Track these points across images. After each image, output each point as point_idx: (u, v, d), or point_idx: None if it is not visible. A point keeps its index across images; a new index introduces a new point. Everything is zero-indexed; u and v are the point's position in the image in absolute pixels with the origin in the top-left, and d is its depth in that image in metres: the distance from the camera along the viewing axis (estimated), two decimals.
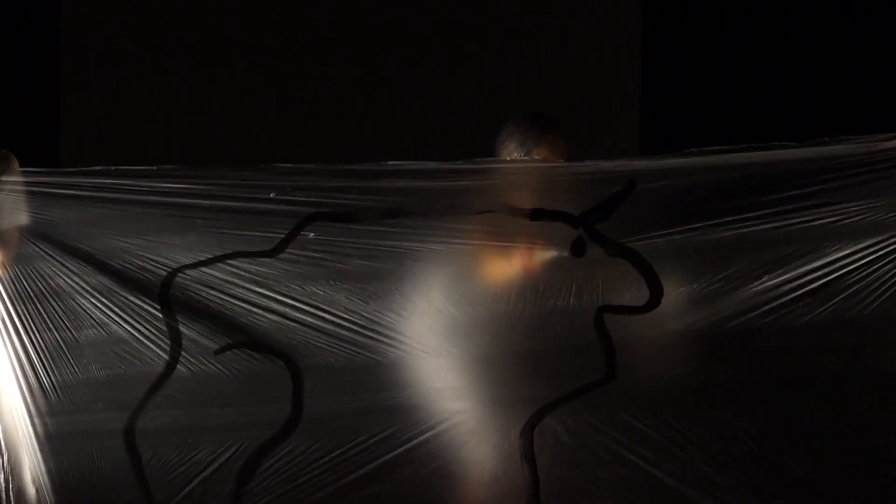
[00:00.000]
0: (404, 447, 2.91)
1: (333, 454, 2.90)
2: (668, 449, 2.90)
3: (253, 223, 2.91)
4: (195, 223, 2.91)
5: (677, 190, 2.89)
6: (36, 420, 2.89)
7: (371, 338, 2.91)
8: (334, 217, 2.89)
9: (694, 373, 2.95)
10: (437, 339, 2.92)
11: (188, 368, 2.91)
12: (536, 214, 2.90)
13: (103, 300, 2.90)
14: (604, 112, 5.38)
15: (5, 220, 2.88)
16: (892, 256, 2.89)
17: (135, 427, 2.91)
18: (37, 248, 2.89)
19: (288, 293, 2.90)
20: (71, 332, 2.91)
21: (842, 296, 2.90)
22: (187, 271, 2.90)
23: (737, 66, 5.30)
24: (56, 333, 2.90)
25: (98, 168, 2.89)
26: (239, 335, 2.91)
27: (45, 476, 2.89)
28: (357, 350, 2.91)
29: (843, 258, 2.90)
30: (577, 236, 2.89)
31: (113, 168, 2.90)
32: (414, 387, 2.93)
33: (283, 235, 2.89)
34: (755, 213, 2.89)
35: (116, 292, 2.91)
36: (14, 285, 2.89)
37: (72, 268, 2.90)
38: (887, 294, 2.89)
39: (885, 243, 2.89)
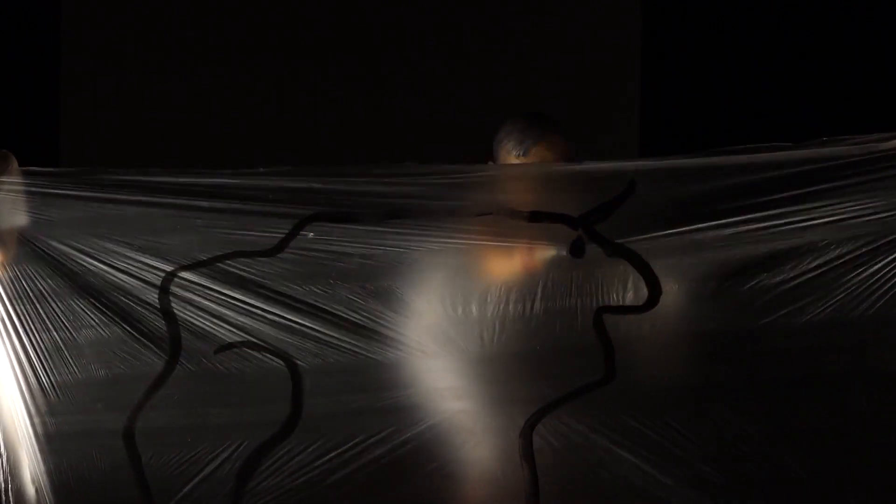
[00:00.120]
0: (403, 447, 2.90)
1: (333, 454, 2.90)
2: (668, 449, 2.89)
3: (252, 223, 2.91)
4: (194, 223, 2.91)
5: (676, 191, 2.89)
6: (35, 420, 2.89)
7: (371, 338, 2.91)
8: (334, 217, 2.89)
9: (693, 373, 2.95)
10: (436, 340, 2.92)
11: (188, 368, 2.91)
12: (535, 216, 2.90)
13: (102, 300, 2.90)
14: (604, 113, 5.39)
15: (4, 220, 2.87)
16: (892, 256, 2.89)
17: (134, 427, 2.91)
18: (36, 249, 2.89)
19: (287, 293, 2.90)
20: (70, 332, 2.90)
21: (841, 296, 2.90)
22: (187, 271, 2.90)
23: (736, 68, 5.30)
24: (55, 333, 2.90)
25: (97, 168, 2.89)
26: (238, 335, 2.91)
27: (45, 476, 2.89)
28: (356, 350, 2.90)
29: (842, 258, 2.90)
30: (577, 237, 2.89)
31: (112, 169, 2.90)
32: (413, 387, 2.92)
33: (283, 235, 2.89)
34: (754, 214, 2.89)
35: (116, 292, 2.90)
36: (13, 285, 2.89)
37: (71, 268, 2.89)
38: (887, 294, 2.89)
39: (884, 243, 2.89)
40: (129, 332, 2.91)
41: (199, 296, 2.91)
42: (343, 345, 2.90)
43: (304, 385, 2.91)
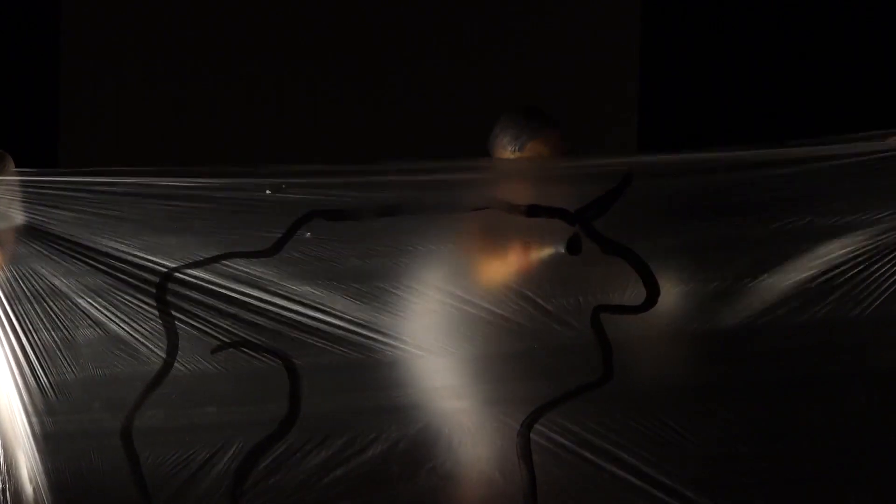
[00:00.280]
0: (401, 446, 2.90)
1: (330, 453, 2.90)
2: (666, 449, 2.89)
3: (249, 223, 2.91)
4: (192, 223, 2.91)
5: (674, 188, 2.89)
6: (33, 419, 2.89)
7: (367, 337, 2.90)
8: (330, 215, 2.89)
9: (691, 373, 2.95)
10: (433, 338, 2.92)
11: (185, 367, 2.91)
12: (532, 211, 2.89)
13: (100, 300, 2.90)
14: (603, 113, 5.38)
15: (1, 220, 2.87)
16: (891, 255, 2.89)
17: (132, 426, 2.91)
18: (33, 248, 2.89)
19: (284, 292, 2.90)
20: (68, 331, 2.90)
21: (841, 296, 2.89)
22: (184, 271, 2.90)
23: (735, 67, 5.30)
24: (53, 333, 2.90)
25: (93, 168, 2.89)
26: (235, 334, 2.91)
27: (43, 475, 2.89)
28: (353, 349, 2.90)
29: (841, 257, 2.90)
30: (574, 233, 2.89)
31: (109, 168, 2.90)
32: (410, 386, 2.92)
33: (280, 235, 2.89)
34: (753, 212, 2.88)
35: (113, 292, 2.91)
36: (11, 285, 2.89)
37: (69, 267, 2.90)
38: (886, 294, 2.89)
39: (883, 242, 2.89)
40: (127, 332, 2.91)
41: (196, 295, 2.91)
42: (340, 344, 2.90)
43: (301, 384, 2.90)
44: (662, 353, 2.93)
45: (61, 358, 2.90)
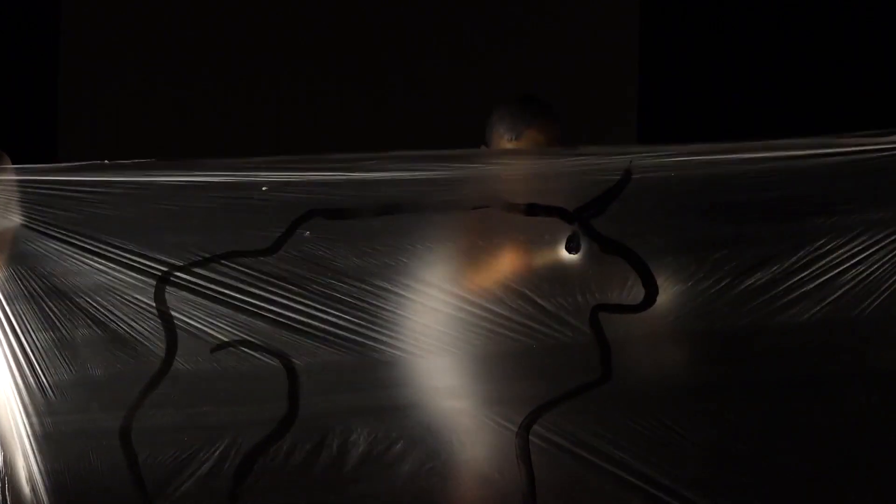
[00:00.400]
0: (400, 446, 2.90)
1: (329, 452, 2.90)
2: (665, 449, 2.89)
3: (249, 222, 2.91)
4: (191, 223, 2.91)
5: (673, 188, 2.89)
6: (32, 419, 2.88)
7: (367, 336, 2.90)
8: (329, 214, 2.89)
9: (691, 372, 2.95)
10: (432, 338, 2.91)
11: (184, 367, 2.91)
12: (531, 210, 2.89)
13: (99, 299, 2.90)
14: (602, 113, 5.38)
15: None
16: (892, 255, 2.88)
17: (131, 426, 2.91)
18: (31, 248, 2.89)
19: (284, 291, 2.90)
20: (66, 331, 2.90)
21: (840, 295, 2.89)
22: (183, 271, 2.90)
23: (735, 67, 5.30)
24: (52, 333, 2.90)
25: (89, 163, 2.89)
26: (234, 334, 2.90)
27: (41, 475, 2.89)
28: (353, 348, 2.90)
29: (841, 256, 2.89)
30: (573, 232, 2.89)
31: (106, 162, 2.90)
32: (410, 385, 2.92)
33: (279, 234, 2.89)
34: (752, 211, 2.88)
35: (112, 291, 2.90)
36: (9, 285, 2.89)
37: (67, 267, 2.89)
38: (886, 293, 2.88)
39: (883, 241, 2.89)
40: (126, 332, 2.90)
41: (195, 295, 2.90)
42: (339, 343, 2.90)
43: (300, 384, 2.90)
44: (661, 353, 2.93)
45: (60, 358, 2.90)
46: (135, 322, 2.90)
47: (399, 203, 2.89)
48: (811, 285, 2.88)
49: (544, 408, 2.89)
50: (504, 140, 3.24)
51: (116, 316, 2.90)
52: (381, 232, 2.89)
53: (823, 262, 2.88)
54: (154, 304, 2.90)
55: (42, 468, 2.88)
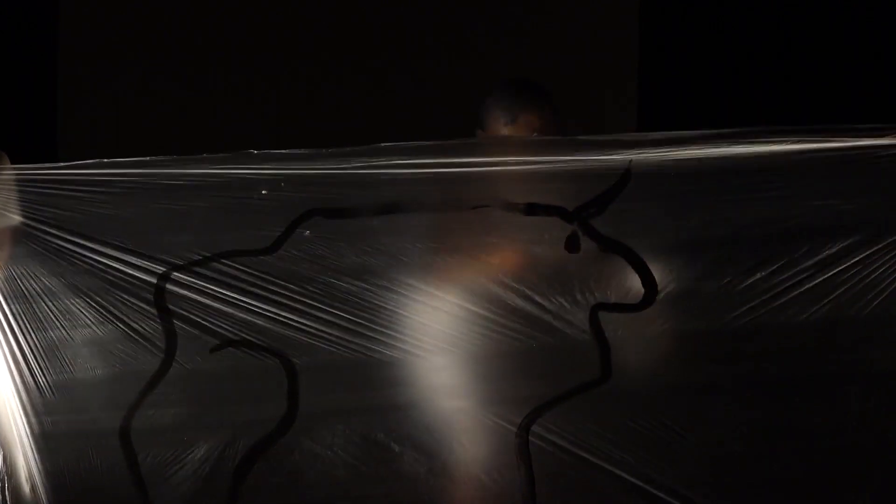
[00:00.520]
0: (400, 446, 2.90)
1: (329, 452, 2.90)
2: (664, 449, 2.89)
3: (248, 222, 2.91)
4: (191, 222, 2.91)
5: (673, 187, 2.89)
6: (32, 419, 2.88)
7: (366, 335, 2.90)
8: (329, 213, 2.89)
9: (690, 372, 2.95)
10: (432, 338, 2.91)
11: (183, 367, 2.90)
12: (531, 209, 2.89)
13: (98, 299, 2.90)
14: (602, 113, 5.38)
15: None
16: (892, 255, 2.88)
17: (130, 426, 2.90)
18: (31, 247, 2.89)
19: (283, 291, 2.90)
20: (66, 331, 2.90)
21: (840, 295, 2.89)
22: (182, 270, 2.90)
23: (735, 66, 5.30)
24: (51, 332, 2.90)
25: (89, 162, 2.89)
26: (234, 333, 2.90)
27: (41, 475, 2.88)
28: (353, 348, 2.90)
29: (841, 256, 2.89)
30: (572, 231, 2.88)
31: (105, 161, 2.90)
32: (409, 385, 2.92)
33: (279, 233, 2.89)
34: (751, 210, 2.88)
35: (111, 291, 2.90)
36: (8, 284, 2.88)
37: (66, 266, 2.89)
38: (886, 292, 2.88)
39: (883, 241, 2.88)
40: (125, 331, 2.90)
41: (194, 294, 2.90)
42: (339, 343, 2.90)
43: (299, 383, 2.90)
44: (661, 352, 2.93)
45: (59, 358, 2.90)
46: (135, 322, 2.90)
47: (399, 202, 2.89)
48: (811, 285, 2.88)
49: (544, 407, 2.89)
50: (500, 123, 3.23)
51: (116, 316, 2.90)
52: (381, 231, 2.89)
53: (823, 262, 2.88)
54: (154, 304, 2.90)
55: (42, 468, 2.88)
